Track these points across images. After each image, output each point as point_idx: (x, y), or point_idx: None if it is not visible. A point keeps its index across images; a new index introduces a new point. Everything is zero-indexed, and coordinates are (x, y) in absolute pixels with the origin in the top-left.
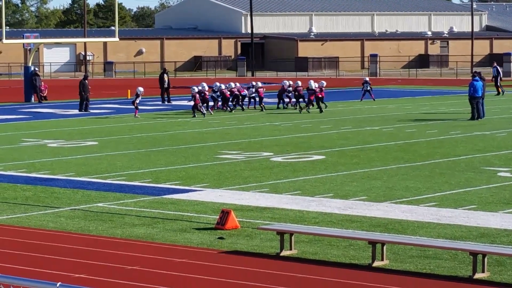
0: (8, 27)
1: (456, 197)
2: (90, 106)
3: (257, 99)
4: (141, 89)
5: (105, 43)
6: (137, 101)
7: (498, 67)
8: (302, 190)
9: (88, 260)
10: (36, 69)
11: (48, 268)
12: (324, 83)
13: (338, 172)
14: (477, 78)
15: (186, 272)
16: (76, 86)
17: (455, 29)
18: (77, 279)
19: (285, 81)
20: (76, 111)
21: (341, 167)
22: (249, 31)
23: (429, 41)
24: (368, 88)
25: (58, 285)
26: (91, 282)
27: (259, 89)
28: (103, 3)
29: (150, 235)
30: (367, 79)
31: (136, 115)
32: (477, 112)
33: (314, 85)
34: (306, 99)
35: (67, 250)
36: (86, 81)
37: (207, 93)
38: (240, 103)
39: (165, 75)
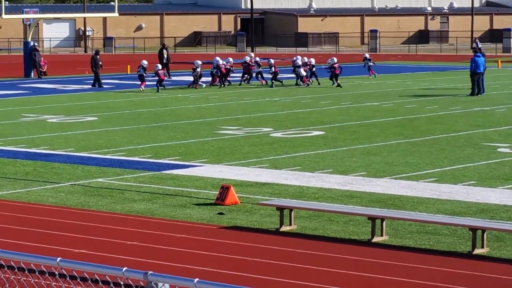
0: (7, 2)
1: (455, 173)
2: (89, 81)
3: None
4: (145, 62)
5: (104, 19)
6: (145, 74)
7: (479, 42)
8: (301, 166)
9: (88, 235)
10: (36, 44)
11: (48, 243)
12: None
13: (337, 147)
14: (478, 54)
15: (186, 248)
16: (76, 61)
17: (455, 5)
18: (77, 254)
19: (298, 57)
20: (75, 86)
21: (340, 143)
22: (249, 6)
23: (429, 17)
24: (370, 64)
25: (58, 260)
26: (91, 257)
27: (244, 64)
28: None
29: (150, 210)
30: (367, 55)
31: (142, 87)
32: (477, 88)
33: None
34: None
35: (67, 225)
36: (98, 56)
37: (228, 65)
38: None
39: (165, 50)
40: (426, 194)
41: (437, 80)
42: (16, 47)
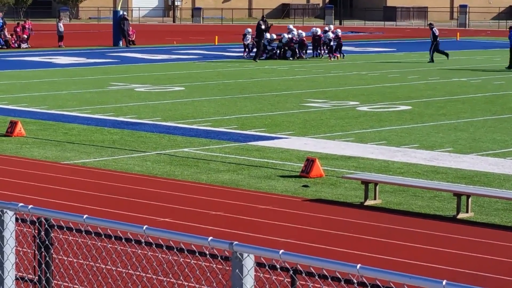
0: None
1: None
2: (176, 51)
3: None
4: (249, 29)
5: None
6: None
7: None
8: (387, 140)
9: (173, 204)
10: (125, 13)
11: (134, 211)
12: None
13: (424, 123)
14: None
15: (270, 219)
16: (164, 31)
17: None
18: (161, 223)
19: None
20: (163, 56)
21: (427, 118)
22: None
23: None
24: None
25: (144, 228)
26: (176, 226)
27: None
28: None
29: (235, 181)
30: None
31: (245, 55)
32: None
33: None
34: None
35: (152, 194)
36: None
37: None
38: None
39: (262, 21)
40: None
41: None
42: (105, 16)
